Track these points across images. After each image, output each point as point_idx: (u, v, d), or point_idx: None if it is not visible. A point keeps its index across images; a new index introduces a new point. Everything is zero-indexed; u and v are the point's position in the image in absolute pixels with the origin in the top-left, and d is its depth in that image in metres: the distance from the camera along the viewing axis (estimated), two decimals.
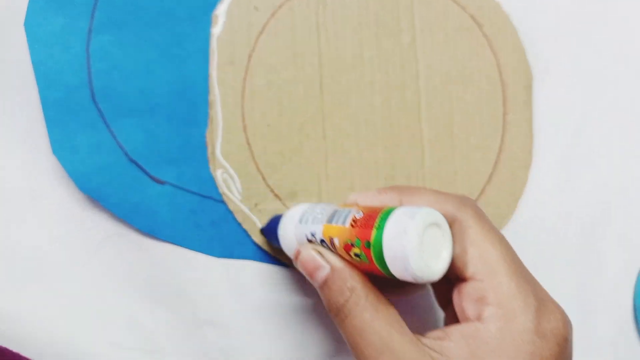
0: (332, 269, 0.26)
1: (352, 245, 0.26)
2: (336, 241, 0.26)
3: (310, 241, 0.28)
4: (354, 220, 0.26)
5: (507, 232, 0.38)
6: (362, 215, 0.26)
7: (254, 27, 0.34)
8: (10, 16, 0.31)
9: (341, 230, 0.26)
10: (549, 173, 0.38)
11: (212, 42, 0.33)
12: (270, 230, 0.32)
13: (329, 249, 0.27)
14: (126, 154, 0.32)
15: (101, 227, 0.33)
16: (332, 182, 0.35)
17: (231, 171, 0.34)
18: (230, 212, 0.34)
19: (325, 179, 0.35)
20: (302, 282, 0.35)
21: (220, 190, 0.34)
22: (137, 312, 0.33)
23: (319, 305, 0.35)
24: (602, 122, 0.39)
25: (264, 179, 0.34)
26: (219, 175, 0.34)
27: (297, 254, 0.28)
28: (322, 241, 0.27)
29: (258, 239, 0.34)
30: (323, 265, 0.26)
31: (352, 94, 0.35)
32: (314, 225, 0.28)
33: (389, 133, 0.36)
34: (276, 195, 0.34)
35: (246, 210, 0.34)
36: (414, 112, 0.36)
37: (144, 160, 0.33)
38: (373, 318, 0.25)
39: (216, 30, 0.34)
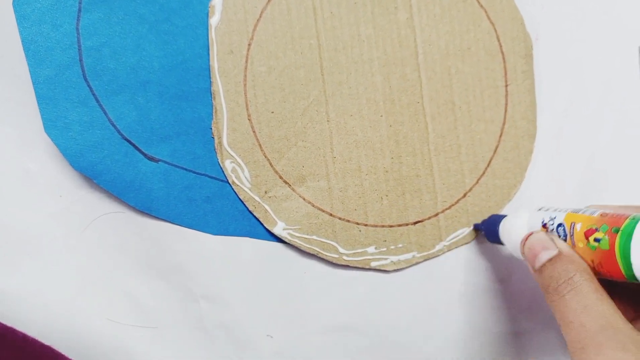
0: (560, 252, 0.28)
1: (597, 229, 0.27)
2: (578, 226, 0.28)
3: (544, 226, 0.30)
4: (602, 214, 0.28)
5: (516, 202, 0.38)
6: (612, 212, 0.28)
7: (250, 14, 0.34)
8: None
9: (587, 218, 0.28)
10: (548, 141, 0.38)
11: (210, 33, 0.33)
12: (491, 223, 0.35)
13: (562, 238, 0.29)
14: (119, 132, 0.32)
15: (96, 205, 0.33)
16: (339, 164, 0.35)
17: (239, 160, 0.34)
18: (224, 188, 0.34)
19: (332, 161, 0.35)
20: (299, 257, 0.35)
21: (230, 180, 0.34)
22: (134, 289, 0.34)
23: (315, 281, 0.35)
24: (593, 89, 0.39)
25: (271, 165, 0.35)
26: (227, 165, 0.34)
27: (527, 236, 0.30)
28: (559, 225, 0.29)
29: (278, 229, 0.34)
30: (552, 246, 0.28)
31: (352, 74, 0.35)
32: (556, 213, 0.30)
33: (392, 111, 0.36)
34: (285, 181, 0.35)
35: (257, 198, 0.34)
36: (414, 89, 0.36)
37: (137, 137, 0.33)
38: (598, 298, 0.26)
39: (214, 20, 0.34)
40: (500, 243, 0.34)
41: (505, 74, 0.37)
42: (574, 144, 0.38)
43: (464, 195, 0.37)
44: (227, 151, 0.34)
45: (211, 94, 0.34)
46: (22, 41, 0.31)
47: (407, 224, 0.36)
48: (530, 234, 0.30)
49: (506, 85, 0.37)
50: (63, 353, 0.31)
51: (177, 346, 0.34)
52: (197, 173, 0.34)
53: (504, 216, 0.34)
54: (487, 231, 0.36)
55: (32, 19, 0.31)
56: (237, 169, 0.34)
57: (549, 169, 0.38)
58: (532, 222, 0.31)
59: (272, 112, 0.34)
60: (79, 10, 0.32)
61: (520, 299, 0.38)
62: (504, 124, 0.37)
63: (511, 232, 0.33)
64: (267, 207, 0.35)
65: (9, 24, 0.31)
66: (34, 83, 0.31)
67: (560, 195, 0.38)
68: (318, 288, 0.35)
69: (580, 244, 0.28)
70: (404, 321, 0.36)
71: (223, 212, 0.34)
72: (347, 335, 0.36)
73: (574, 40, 0.38)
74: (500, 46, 0.37)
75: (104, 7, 0.32)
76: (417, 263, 0.37)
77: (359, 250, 0.36)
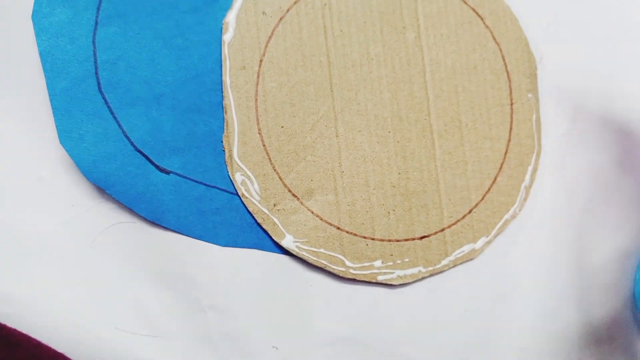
0: None
1: None
2: None
3: None
4: None
5: (520, 220, 0.38)
6: None
7: (262, 32, 0.35)
8: (18, 9, 0.32)
9: None
10: (553, 158, 0.39)
11: (223, 49, 0.34)
12: None
13: None
14: (132, 144, 0.33)
15: (107, 215, 0.34)
16: (347, 178, 0.36)
17: (249, 173, 0.35)
18: (234, 201, 0.35)
19: (340, 175, 0.36)
20: (305, 270, 0.36)
21: (240, 193, 0.35)
22: (143, 298, 0.34)
23: (321, 293, 0.36)
24: (597, 111, 0.39)
25: (280, 179, 0.35)
26: (237, 177, 0.35)
27: None
28: None
29: (286, 242, 0.35)
30: None
31: (361, 91, 0.36)
32: None
33: (399, 127, 0.37)
34: (294, 195, 0.35)
35: (266, 210, 0.35)
36: (422, 106, 0.37)
37: (150, 149, 0.33)
38: None
39: (227, 37, 0.34)
40: None
41: (511, 92, 0.38)
42: (579, 160, 0.39)
43: (470, 211, 0.37)
44: (238, 164, 0.35)
45: (223, 108, 0.35)
46: (40, 54, 0.32)
47: (413, 239, 0.37)
48: None
49: (511, 104, 0.38)
50: None
51: (183, 355, 0.34)
52: (208, 185, 0.34)
53: None
54: None
55: (50, 32, 0.32)
56: (246, 182, 0.35)
57: (555, 185, 0.39)
58: None
59: (282, 127, 0.35)
60: (96, 24, 0.33)
61: (524, 315, 0.38)
62: (509, 141, 0.38)
63: None
64: (275, 220, 0.35)
65: (27, 37, 0.32)
66: (50, 95, 0.32)
67: (566, 211, 0.39)
68: (324, 300, 0.36)
69: None
70: (409, 335, 0.37)
71: (232, 224, 0.35)
72: (352, 347, 0.36)
73: (578, 59, 0.39)
74: (506, 65, 0.38)
75: (120, 21, 0.33)
76: (423, 278, 0.37)
77: (366, 264, 0.36)
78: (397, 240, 0.36)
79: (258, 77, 0.35)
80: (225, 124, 0.35)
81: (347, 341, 0.36)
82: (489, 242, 0.38)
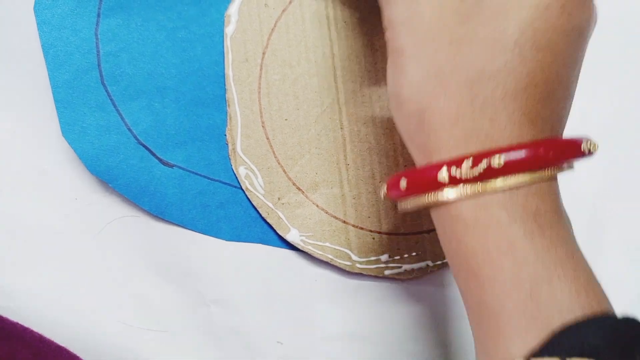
0: None
1: None
2: None
3: None
4: None
5: None
6: None
7: (265, 24, 0.35)
8: (20, 0, 0.32)
9: None
10: None
11: (226, 42, 0.34)
12: None
13: None
14: (135, 137, 0.33)
15: (111, 208, 0.33)
16: (352, 171, 0.35)
17: (252, 166, 0.34)
18: (237, 194, 0.34)
19: (346, 168, 0.35)
20: (310, 265, 0.35)
21: (244, 186, 0.34)
22: (146, 292, 0.34)
23: (327, 289, 0.35)
24: (608, 106, 0.39)
25: (284, 172, 0.35)
26: (241, 171, 0.34)
27: None
28: None
29: (291, 235, 0.34)
30: None
31: (366, 82, 0.36)
32: None
33: None
34: (298, 188, 0.35)
35: (270, 204, 0.34)
36: None
37: (153, 142, 0.33)
38: None
39: (229, 29, 0.34)
40: None
41: None
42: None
43: None
44: (241, 158, 0.34)
45: (226, 101, 0.34)
46: (42, 46, 0.32)
47: (421, 232, 0.36)
48: None
49: None
50: (78, 355, 0.31)
51: (187, 350, 0.33)
52: (211, 179, 0.34)
53: None
54: None
55: (52, 24, 0.32)
56: (250, 176, 0.34)
57: (565, 178, 0.38)
58: None
59: (286, 120, 0.35)
60: (98, 15, 0.32)
61: None
62: None
63: None
64: (280, 213, 0.35)
65: (29, 29, 0.32)
66: (52, 87, 0.32)
67: (576, 205, 0.38)
68: (329, 296, 0.35)
69: None
70: (414, 330, 0.36)
71: (236, 218, 0.34)
72: (357, 344, 0.35)
73: (590, 56, 0.38)
74: None
75: (123, 13, 0.33)
76: (431, 272, 0.36)
77: (373, 258, 0.35)
78: (405, 234, 0.36)
79: (261, 69, 0.35)
80: (228, 117, 0.34)
81: (353, 337, 0.35)
82: None
